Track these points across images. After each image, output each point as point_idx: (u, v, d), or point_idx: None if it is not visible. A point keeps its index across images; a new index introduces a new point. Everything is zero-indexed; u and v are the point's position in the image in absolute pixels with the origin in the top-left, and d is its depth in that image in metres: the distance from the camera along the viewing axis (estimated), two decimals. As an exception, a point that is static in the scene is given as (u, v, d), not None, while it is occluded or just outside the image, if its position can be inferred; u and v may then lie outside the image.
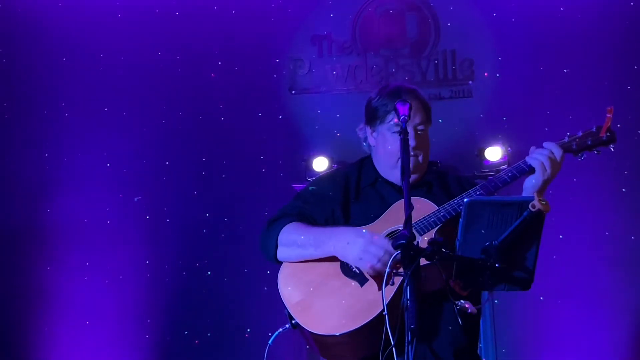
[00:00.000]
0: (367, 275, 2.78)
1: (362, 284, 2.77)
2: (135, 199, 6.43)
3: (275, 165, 6.39)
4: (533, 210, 2.45)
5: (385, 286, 2.55)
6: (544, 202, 2.46)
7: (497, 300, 5.79)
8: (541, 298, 5.87)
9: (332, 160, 6.24)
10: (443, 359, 2.76)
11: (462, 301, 2.73)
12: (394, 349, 2.58)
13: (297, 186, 5.78)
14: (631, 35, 6.24)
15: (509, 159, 5.98)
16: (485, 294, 2.88)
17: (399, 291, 2.64)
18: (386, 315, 2.51)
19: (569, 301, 6.00)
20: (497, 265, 2.47)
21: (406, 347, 2.31)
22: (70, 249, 6.32)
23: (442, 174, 3.09)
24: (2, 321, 6.19)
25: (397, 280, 2.67)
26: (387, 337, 2.49)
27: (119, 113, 6.49)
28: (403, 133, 2.66)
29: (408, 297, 2.33)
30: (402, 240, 2.37)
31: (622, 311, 6.03)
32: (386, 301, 2.62)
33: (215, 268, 6.31)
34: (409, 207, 2.49)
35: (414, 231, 2.75)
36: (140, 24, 6.57)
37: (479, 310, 2.84)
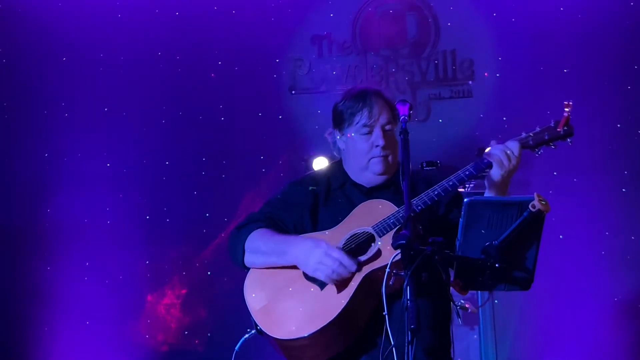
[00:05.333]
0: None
1: (322, 288, 2.80)
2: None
3: (275, 165, 6.38)
4: (533, 210, 2.45)
5: (385, 286, 2.55)
6: (544, 202, 2.46)
7: (497, 300, 5.78)
8: (541, 298, 5.86)
9: (332, 160, 6.22)
10: (416, 358, 2.77)
11: (462, 301, 2.74)
12: (359, 349, 2.70)
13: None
14: (631, 35, 6.23)
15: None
16: (485, 293, 2.88)
17: (357, 293, 2.71)
18: (386, 316, 2.52)
19: (569, 301, 5.99)
20: (497, 265, 2.47)
21: (406, 347, 2.32)
22: (70, 249, 6.32)
23: (412, 174, 3.11)
24: (2, 321, 6.19)
25: (355, 281, 2.72)
26: (387, 337, 2.50)
27: (119, 113, 6.49)
28: (403, 133, 2.70)
29: (408, 297, 2.33)
30: (402, 241, 2.38)
31: (622, 311, 6.02)
32: (346, 301, 2.69)
33: (215, 268, 6.30)
34: (408, 208, 2.49)
35: (373, 232, 2.78)
36: (140, 23, 6.56)
37: (448, 311, 2.86)
